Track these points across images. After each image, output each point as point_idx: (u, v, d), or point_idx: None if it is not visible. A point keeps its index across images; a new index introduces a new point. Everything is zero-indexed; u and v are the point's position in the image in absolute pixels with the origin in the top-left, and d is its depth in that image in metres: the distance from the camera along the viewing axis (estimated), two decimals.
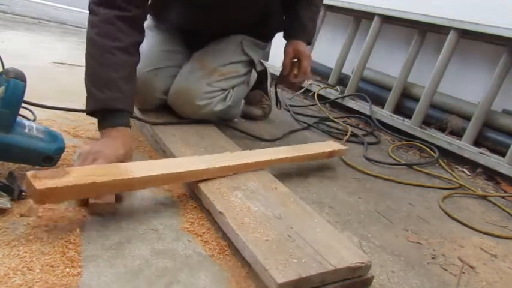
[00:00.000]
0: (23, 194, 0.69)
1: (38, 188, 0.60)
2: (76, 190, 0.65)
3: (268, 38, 1.37)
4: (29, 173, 0.62)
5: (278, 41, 1.40)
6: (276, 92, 1.48)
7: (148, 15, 1.32)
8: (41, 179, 0.62)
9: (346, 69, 2.09)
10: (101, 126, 0.87)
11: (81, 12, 3.09)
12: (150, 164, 0.79)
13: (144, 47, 1.20)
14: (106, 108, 0.86)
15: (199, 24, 1.20)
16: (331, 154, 1.16)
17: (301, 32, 1.26)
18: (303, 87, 1.98)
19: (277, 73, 1.34)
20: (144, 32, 0.99)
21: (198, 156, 0.89)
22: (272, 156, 0.97)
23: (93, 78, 0.88)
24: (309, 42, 1.29)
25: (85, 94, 0.89)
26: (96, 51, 0.88)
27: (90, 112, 0.89)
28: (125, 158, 0.82)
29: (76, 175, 0.66)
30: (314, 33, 1.36)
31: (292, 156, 1.02)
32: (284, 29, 1.30)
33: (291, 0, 1.27)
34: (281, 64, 1.26)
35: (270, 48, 2.38)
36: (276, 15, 1.30)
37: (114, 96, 0.86)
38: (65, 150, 0.81)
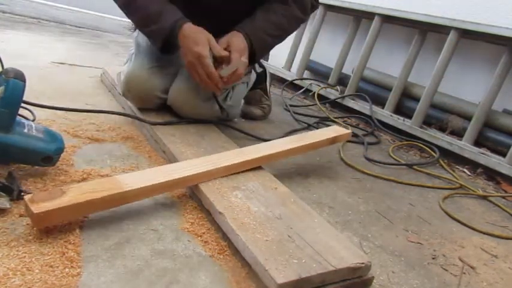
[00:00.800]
0: (23, 194, 0.69)
1: (35, 212, 0.60)
2: (74, 209, 0.64)
3: None
4: (27, 197, 0.62)
5: None
6: (215, 97, 1.17)
7: None
8: (39, 202, 0.61)
9: (347, 69, 2.09)
10: (176, 44, 1.03)
11: (81, 12, 3.09)
12: (147, 173, 0.78)
13: (142, 46, 1.21)
14: (166, 31, 1.01)
15: (199, 22, 1.20)
16: (334, 140, 1.11)
17: (247, 24, 1.11)
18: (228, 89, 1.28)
19: (277, 73, 1.32)
20: None
21: (196, 159, 0.88)
22: (271, 151, 0.96)
23: (142, 22, 1.06)
24: (256, 45, 1.10)
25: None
26: (134, 4, 1.05)
27: (161, 49, 1.06)
28: (208, 38, 1.00)
29: (73, 194, 0.65)
30: (266, 40, 1.13)
31: (293, 148, 1.00)
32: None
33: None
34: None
35: None
36: None
37: (163, 19, 1.01)
38: (65, 150, 0.81)
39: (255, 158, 0.91)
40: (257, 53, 1.12)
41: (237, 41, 1.07)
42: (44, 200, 0.62)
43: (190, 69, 1.04)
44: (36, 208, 0.60)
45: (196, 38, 1.01)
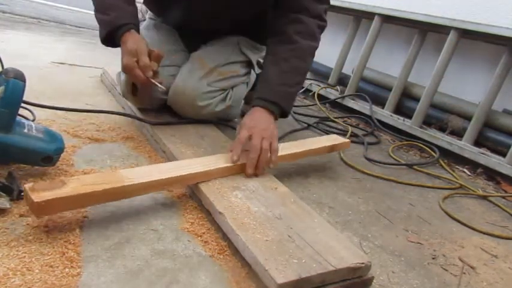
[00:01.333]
0: (22, 194, 0.69)
1: (35, 200, 0.60)
2: (74, 200, 0.64)
3: (264, 41, 1.34)
4: (27, 186, 0.62)
5: None
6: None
7: (148, 14, 1.33)
8: (39, 191, 0.61)
9: (347, 69, 2.09)
10: (116, 43, 1.00)
11: (80, 12, 3.09)
12: (149, 169, 0.79)
13: None
14: (114, 26, 0.99)
15: (198, 22, 1.20)
16: (332, 148, 1.13)
17: (264, 89, 1.01)
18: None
19: None
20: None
21: (198, 158, 0.89)
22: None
23: (100, 7, 1.02)
24: (283, 111, 1.01)
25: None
26: None
27: (104, 39, 1.03)
28: (139, 50, 0.96)
29: (74, 185, 0.65)
30: (290, 93, 1.03)
31: (291, 153, 1.01)
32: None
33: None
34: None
35: None
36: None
37: (118, 15, 0.99)
38: (65, 150, 0.81)
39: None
40: (287, 108, 1.03)
41: (259, 122, 0.94)
42: (44, 189, 0.62)
43: (127, 72, 1.01)
44: (36, 197, 0.60)
45: (131, 48, 0.97)
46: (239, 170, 0.88)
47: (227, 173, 0.86)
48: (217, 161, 0.86)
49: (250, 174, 0.87)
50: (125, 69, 0.99)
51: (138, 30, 1.03)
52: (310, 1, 1.06)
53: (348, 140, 1.19)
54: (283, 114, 1.04)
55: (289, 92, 1.04)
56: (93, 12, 1.04)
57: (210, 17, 1.20)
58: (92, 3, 1.05)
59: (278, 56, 1.04)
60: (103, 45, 1.07)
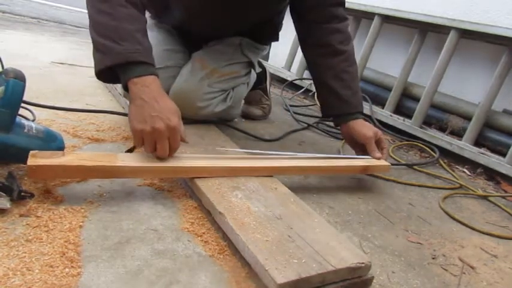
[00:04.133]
0: (23, 194, 0.69)
1: (29, 164, 0.68)
2: (64, 170, 0.70)
3: (265, 42, 1.34)
4: (31, 152, 0.70)
5: (278, 41, 1.39)
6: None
7: (148, 15, 1.32)
8: (37, 158, 0.69)
9: None
10: (127, 78, 0.79)
11: (80, 12, 3.09)
12: (146, 157, 0.80)
13: None
14: (129, 61, 0.79)
15: (199, 24, 1.20)
16: (365, 169, 1.06)
17: (343, 107, 1.12)
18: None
19: (277, 73, 1.32)
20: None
21: (200, 155, 0.90)
22: (299, 164, 0.96)
23: (107, 31, 0.80)
24: (360, 111, 1.13)
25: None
26: (107, 4, 0.81)
27: (101, 70, 0.82)
28: (179, 116, 0.79)
29: (70, 158, 0.72)
30: (360, 99, 1.15)
31: (322, 166, 0.99)
32: (322, 105, 1.20)
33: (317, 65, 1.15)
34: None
35: (270, 49, 2.37)
36: (274, 21, 1.29)
37: (134, 48, 0.79)
38: (65, 150, 0.81)
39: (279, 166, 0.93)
40: (362, 109, 1.16)
41: (358, 131, 1.09)
42: (43, 157, 0.70)
43: (148, 135, 0.76)
44: (32, 161, 0.68)
45: (171, 106, 0.80)
46: (238, 172, 0.87)
47: (224, 172, 0.85)
48: (218, 160, 0.87)
49: (382, 158, 1.07)
50: (173, 129, 0.76)
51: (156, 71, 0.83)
52: (336, 8, 1.12)
53: (387, 164, 1.08)
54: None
55: (359, 95, 1.14)
56: None
57: (210, 27, 1.20)
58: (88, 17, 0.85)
59: (336, 69, 1.11)
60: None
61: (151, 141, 0.76)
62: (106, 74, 0.84)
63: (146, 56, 0.81)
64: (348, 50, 1.13)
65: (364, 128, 1.09)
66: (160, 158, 0.79)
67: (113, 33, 0.80)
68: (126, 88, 0.82)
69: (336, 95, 1.11)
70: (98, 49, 0.83)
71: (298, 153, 1.02)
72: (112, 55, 0.79)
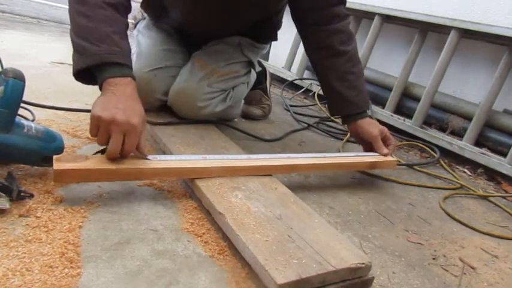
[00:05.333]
0: (22, 194, 0.69)
1: (55, 168, 0.69)
2: (88, 174, 0.72)
3: (264, 41, 1.34)
4: (56, 156, 0.72)
5: (278, 41, 1.39)
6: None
7: (146, 16, 1.32)
8: (62, 162, 0.71)
9: None
10: (102, 79, 0.79)
11: None
12: (165, 158, 0.83)
13: (143, 46, 1.20)
14: (105, 61, 0.78)
15: (197, 26, 1.20)
16: (372, 165, 1.09)
17: (349, 106, 1.13)
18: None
19: (277, 73, 1.32)
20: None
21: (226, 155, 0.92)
22: (310, 161, 0.97)
23: (85, 33, 0.80)
24: (365, 109, 1.14)
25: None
26: (86, 7, 0.81)
27: (82, 69, 0.80)
28: (143, 120, 0.77)
29: (93, 161, 0.74)
30: (367, 97, 1.16)
31: (330, 163, 1.01)
32: (328, 106, 1.21)
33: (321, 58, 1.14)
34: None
35: (270, 49, 2.37)
36: (273, 21, 1.29)
37: (111, 50, 0.79)
38: (65, 150, 0.81)
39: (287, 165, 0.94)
40: (370, 106, 1.18)
41: (365, 129, 1.12)
42: (67, 161, 0.72)
43: (105, 124, 0.73)
44: (57, 166, 0.70)
45: (139, 109, 0.79)
46: (247, 172, 0.88)
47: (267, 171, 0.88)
48: (244, 160, 0.90)
49: (388, 154, 1.09)
50: (109, 123, 0.72)
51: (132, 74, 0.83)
52: (337, 7, 1.10)
53: (394, 159, 1.12)
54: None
55: (365, 94, 1.15)
56: None
57: (208, 28, 1.20)
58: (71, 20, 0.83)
59: (340, 70, 1.11)
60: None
61: (106, 132, 0.73)
62: (84, 75, 0.83)
63: (123, 57, 0.81)
64: (351, 50, 1.12)
65: (370, 127, 1.11)
66: (110, 158, 0.74)
67: (90, 34, 0.79)
68: (101, 89, 0.81)
69: (341, 96, 1.12)
70: (75, 50, 0.82)
71: (304, 154, 1.02)
72: (89, 56, 0.79)
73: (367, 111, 1.15)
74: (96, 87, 0.84)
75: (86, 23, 0.80)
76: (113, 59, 0.79)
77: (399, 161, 1.12)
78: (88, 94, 1.35)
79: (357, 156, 1.09)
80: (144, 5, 1.28)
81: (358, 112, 1.13)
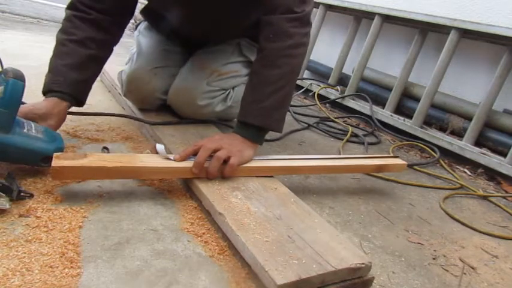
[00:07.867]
0: (22, 194, 0.69)
1: (53, 165, 0.70)
2: (86, 171, 0.73)
3: None
4: (55, 154, 0.73)
5: None
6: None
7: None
8: (61, 159, 0.72)
9: (347, 69, 2.09)
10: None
11: None
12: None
13: (143, 46, 1.20)
14: (47, 90, 0.94)
15: (194, 32, 1.20)
16: (380, 168, 1.06)
17: (239, 115, 0.93)
18: None
19: None
20: (118, 35, 1.06)
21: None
22: (311, 163, 0.97)
23: (48, 67, 0.97)
24: (264, 128, 0.93)
25: None
26: (59, 40, 0.98)
27: (44, 94, 0.96)
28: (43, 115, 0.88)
29: (92, 159, 0.74)
30: (265, 112, 0.91)
31: (335, 165, 1.00)
32: None
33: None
34: None
35: None
36: None
37: (54, 80, 0.94)
38: (65, 150, 0.81)
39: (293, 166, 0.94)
40: (267, 126, 0.93)
41: (231, 140, 0.89)
42: (66, 158, 0.73)
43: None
44: (56, 163, 0.70)
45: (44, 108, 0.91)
46: (247, 173, 0.88)
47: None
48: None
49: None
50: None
51: (68, 96, 0.94)
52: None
53: (403, 162, 1.08)
54: (266, 130, 0.95)
55: (262, 107, 0.90)
56: None
57: (206, 33, 1.20)
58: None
59: (253, 67, 0.94)
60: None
61: None
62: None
63: (62, 86, 0.94)
64: (268, 49, 0.91)
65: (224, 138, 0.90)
66: None
67: (49, 68, 0.96)
68: None
69: (243, 98, 0.94)
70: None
71: (309, 155, 1.02)
72: (43, 84, 0.96)
73: (249, 134, 0.91)
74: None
75: (50, 58, 0.98)
76: (53, 87, 0.94)
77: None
78: None
79: (363, 159, 1.07)
80: (143, 13, 1.28)
81: (239, 120, 0.93)
